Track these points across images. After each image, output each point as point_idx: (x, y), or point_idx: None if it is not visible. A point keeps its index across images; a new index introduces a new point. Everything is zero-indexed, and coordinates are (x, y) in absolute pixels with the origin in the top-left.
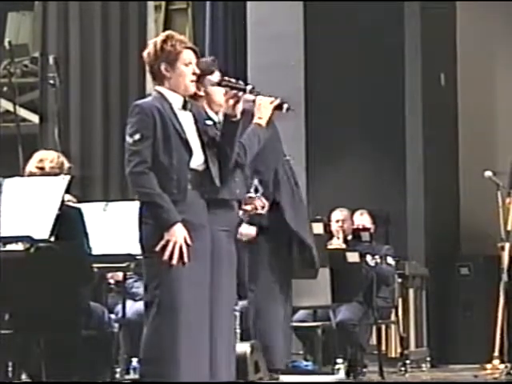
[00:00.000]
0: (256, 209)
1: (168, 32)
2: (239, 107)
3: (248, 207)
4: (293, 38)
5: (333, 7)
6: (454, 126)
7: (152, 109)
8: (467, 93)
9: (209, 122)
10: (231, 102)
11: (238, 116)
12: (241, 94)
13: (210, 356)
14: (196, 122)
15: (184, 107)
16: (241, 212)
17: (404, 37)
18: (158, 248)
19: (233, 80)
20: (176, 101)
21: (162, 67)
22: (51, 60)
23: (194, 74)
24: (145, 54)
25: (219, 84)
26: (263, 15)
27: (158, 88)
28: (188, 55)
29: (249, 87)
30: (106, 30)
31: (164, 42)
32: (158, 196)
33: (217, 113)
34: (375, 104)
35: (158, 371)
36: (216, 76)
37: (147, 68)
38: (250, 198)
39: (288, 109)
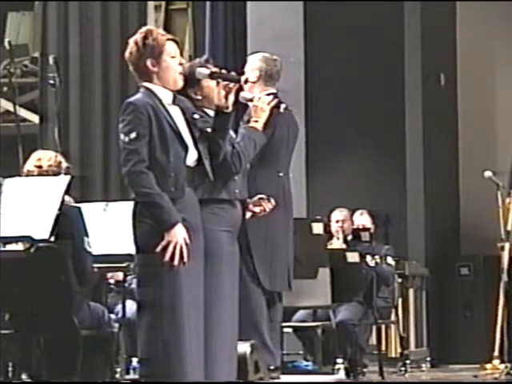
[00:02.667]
0: (265, 211)
1: (146, 28)
2: (231, 99)
3: (257, 209)
4: (293, 38)
5: (333, 7)
6: (454, 126)
7: (146, 106)
8: (467, 93)
9: (196, 116)
10: (223, 93)
11: (230, 108)
12: (232, 85)
13: (212, 356)
14: (185, 117)
15: (173, 102)
16: (248, 214)
17: (404, 37)
18: (158, 249)
19: (224, 71)
20: (166, 96)
21: (148, 63)
22: (51, 60)
23: (180, 64)
24: (126, 53)
25: (210, 76)
26: (263, 15)
27: (146, 84)
28: (171, 47)
29: (243, 78)
30: (105, 30)
31: (145, 37)
32: (159, 196)
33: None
34: (375, 104)
35: (163, 371)
36: (206, 69)
37: (131, 67)
38: (260, 199)
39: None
